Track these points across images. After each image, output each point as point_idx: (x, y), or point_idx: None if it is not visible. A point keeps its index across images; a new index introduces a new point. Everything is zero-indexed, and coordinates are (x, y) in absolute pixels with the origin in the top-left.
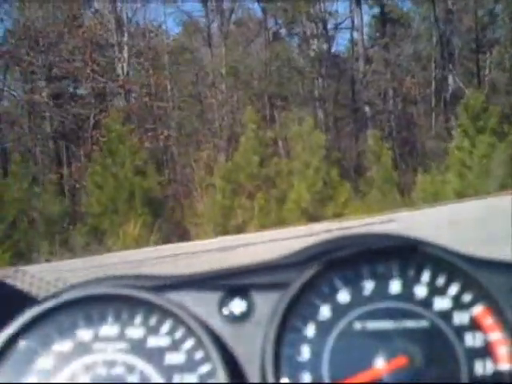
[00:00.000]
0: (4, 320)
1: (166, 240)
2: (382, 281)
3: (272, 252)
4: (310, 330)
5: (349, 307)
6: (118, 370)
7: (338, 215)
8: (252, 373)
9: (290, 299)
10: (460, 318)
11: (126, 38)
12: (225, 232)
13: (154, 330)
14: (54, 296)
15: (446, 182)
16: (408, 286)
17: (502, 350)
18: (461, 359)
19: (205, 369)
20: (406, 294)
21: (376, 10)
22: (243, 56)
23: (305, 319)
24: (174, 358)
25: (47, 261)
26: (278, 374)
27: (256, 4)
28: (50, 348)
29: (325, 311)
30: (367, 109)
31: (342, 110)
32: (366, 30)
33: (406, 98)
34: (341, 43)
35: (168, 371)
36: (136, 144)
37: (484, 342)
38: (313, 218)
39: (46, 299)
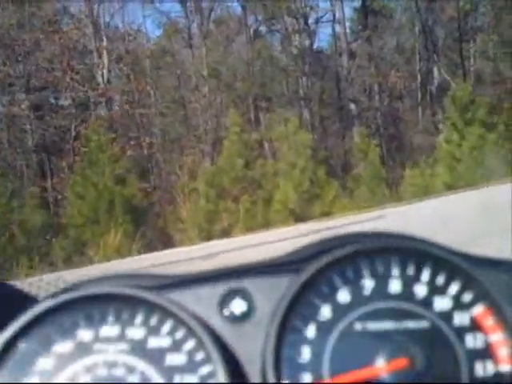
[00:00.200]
0: (4, 320)
1: (149, 248)
2: (382, 279)
3: (259, 255)
4: (311, 331)
5: (349, 307)
6: (119, 371)
7: (325, 214)
8: (253, 373)
9: (290, 299)
10: (460, 318)
11: (104, 43)
12: (210, 237)
13: (154, 331)
14: (53, 296)
15: (436, 176)
16: (408, 285)
17: (502, 351)
18: (461, 360)
19: (205, 370)
20: (406, 294)
21: (357, 3)
22: (225, 56)
23: (305, 319)
24: (175, 359)
25: (27, 276)
26: (278, 374)
27: (235, 1)
28: (51, 349)
29: (325, 311)
30: (353, 106)
31: (328, 108)
32: (348, 23)
33: (392, 93)
34: (323, 38)
35: (169, 372)
36: (117, 153)
37: (485, 343)
38: (300, 217)
39: (45, 299)
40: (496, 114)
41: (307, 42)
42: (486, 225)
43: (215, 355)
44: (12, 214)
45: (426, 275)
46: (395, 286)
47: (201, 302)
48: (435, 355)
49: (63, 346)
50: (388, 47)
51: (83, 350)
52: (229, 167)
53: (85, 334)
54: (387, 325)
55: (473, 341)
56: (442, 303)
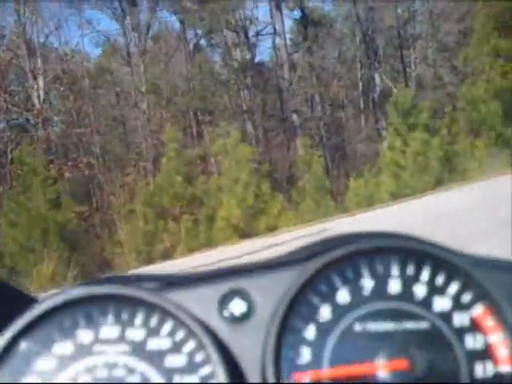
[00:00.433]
0: (4, 320)
1: (85, 275)
2: (381, 280)
3: None
4: (310, 331)
5: (348, 307)
6: (119, 372)
7: (271, 228)
8: (252, 373)
9: (289, 299)
10: (460, 318)
11: (39, 64)
12: (149, 260)
13: (154, 332)
14: (53, 296)
15: (380, 185)
16: (407, 285)
17: (502, 352)
18: (461, 361)
19: (205, 371)
20: (406, 294)
21: (297, 14)
22: (164, 71)
23: (305, 320)
24: (175, 361)
25: None
26: (278, 374)
27: (173, 16)
28: (51, 349)
29: (325, 312)
30: (295, 117)
31: (271, 120)
32: (288, 35)
33: (334, 103)
34: (264, 51)
35: (169, 373)
36: (52, 176)
37: (484, 344)
38: (245, 233)
39: (45, 299)
40: (438, 118)
41: (248, 55)
42: (431, 233)
43: (215, 356)
44: None
45: (425, 275)
46: (394, 286)
47: (200, 302)
48: (435, 356)
49: (63, 347)
50: (329, 57)
51: (83, 350)
52: (167, 185)
53: (85, 335)
54: (387, 325)
55: (472, 341)
56: (441, 303)
